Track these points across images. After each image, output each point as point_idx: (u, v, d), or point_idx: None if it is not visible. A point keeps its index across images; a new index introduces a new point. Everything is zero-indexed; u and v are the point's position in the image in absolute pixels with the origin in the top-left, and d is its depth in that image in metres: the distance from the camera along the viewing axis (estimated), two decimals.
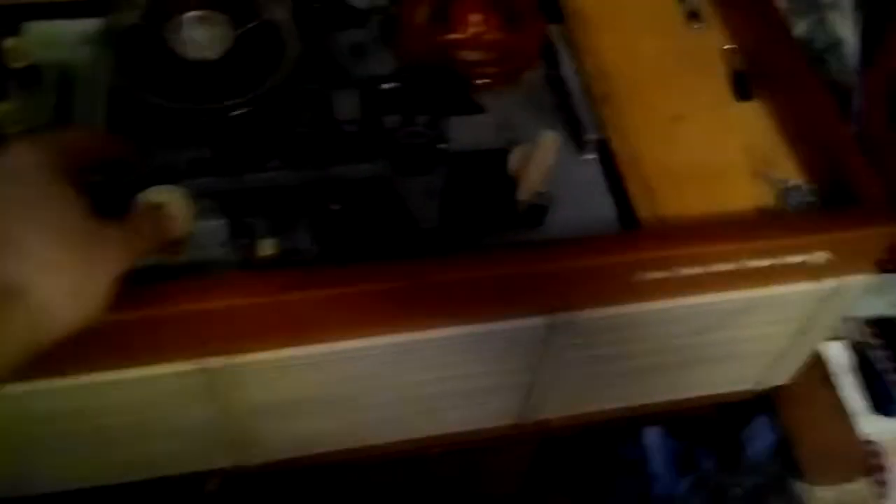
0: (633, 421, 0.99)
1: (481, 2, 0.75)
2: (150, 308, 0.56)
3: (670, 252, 0.61)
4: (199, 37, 0.71)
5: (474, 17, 0.74)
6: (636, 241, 0.63)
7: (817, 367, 0.91)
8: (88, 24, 0.74)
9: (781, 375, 0.82)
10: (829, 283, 0.68)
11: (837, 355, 0.97)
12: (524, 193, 0.65)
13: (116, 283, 0.47)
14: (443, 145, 0.69)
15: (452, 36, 0.74)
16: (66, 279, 0.44)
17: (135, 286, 0.52)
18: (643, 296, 0.65)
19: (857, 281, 0.69)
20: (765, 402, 0.89)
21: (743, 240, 0.62)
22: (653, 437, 1.15)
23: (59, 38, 0.74)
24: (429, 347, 0.65)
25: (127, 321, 0.55)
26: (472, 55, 0.74)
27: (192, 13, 0.71)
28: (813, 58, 1.01)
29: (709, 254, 0.62)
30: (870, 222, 0.64)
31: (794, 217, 0.67)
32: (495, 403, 0.76)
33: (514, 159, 0.66)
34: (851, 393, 0.94)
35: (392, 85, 0.73)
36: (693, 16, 0.81)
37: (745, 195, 0.70)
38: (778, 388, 0.86)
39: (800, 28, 1.00)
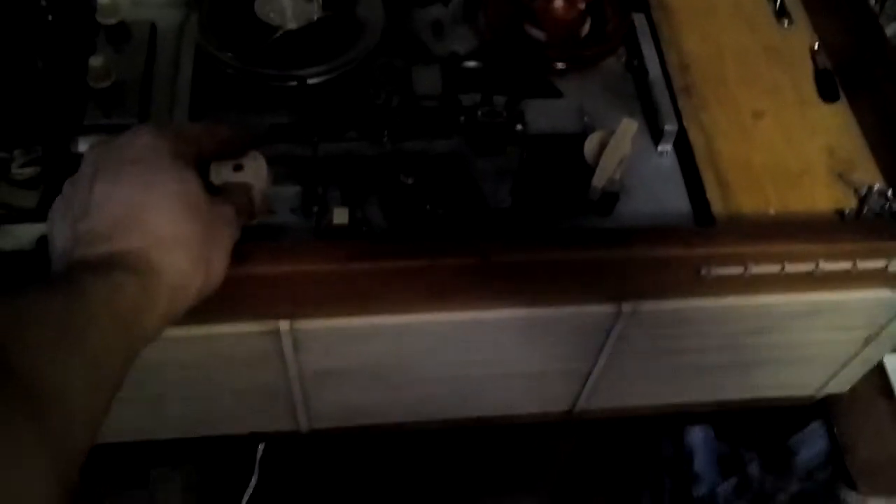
0: (678, 418, 0.98)
1: None
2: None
3: (744, 248, 0.60)
4: (286, 5, 0.71)
5: (557, 1, 0.74)
6: (710, 236, 0.62)
7: (876, 376, 0.89)
8: None
9: (843, 384, 0.81)
10: None
11: None
12: (598, 180, 0.64)
13: (230, 251, 0.51)
14: (519, 127, 0.68)
15: (534, 18, 0.74)
16: (193, 253, 0.47)
17: None
18: (713, 291, 0.64)
19: None
20: (818, 409, 0.87)
21: (820, 241, 0.61)
22: (697, 436, 1.14)
23: None
24: (493, 327, 0.65)
25: None
26: (553, 38, 0.74)
27: None
28: None
29: (784, 253, 0.61)
30: None
31: (874, 222, 0.66)
32: (551, 389, 0.76)
33: (589, 145, 0.66)
34: None
35: (473, 64, 0.74)
36: (782, 13, 0.80)
37: (824, 197, 0.69)
38: (834, 396, 0.85)
39: (891, 30, 0.97)
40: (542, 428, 0.84)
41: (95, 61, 0.66)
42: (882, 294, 0.66)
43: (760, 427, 0.98)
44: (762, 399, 0.83)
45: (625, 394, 0.78)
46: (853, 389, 0.84)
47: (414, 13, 0.77)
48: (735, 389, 0.80)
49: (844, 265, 0.62)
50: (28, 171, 0.64)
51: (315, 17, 0.71)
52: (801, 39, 0.79)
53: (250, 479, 0.83)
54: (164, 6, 0.75)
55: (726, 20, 0.79)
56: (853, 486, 0.83)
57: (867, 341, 0.73)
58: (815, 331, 0.70)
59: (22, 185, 0.64)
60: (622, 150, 0.65)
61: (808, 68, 0.77)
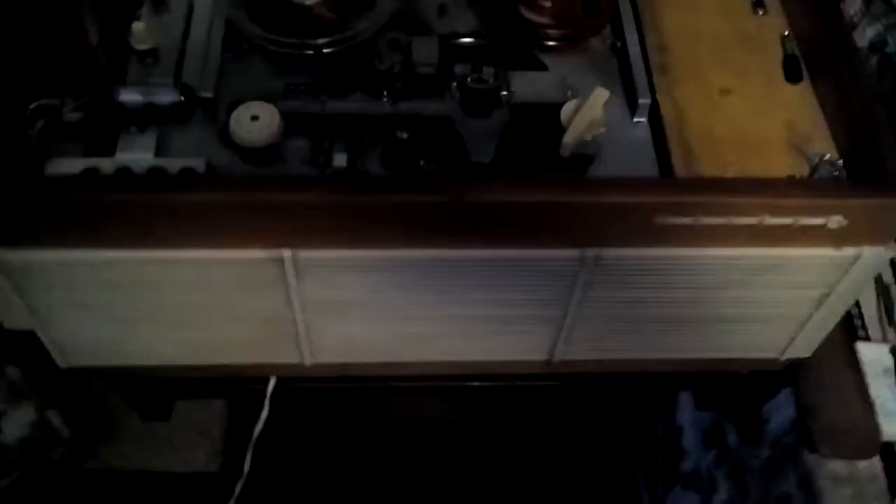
0: (659, 382, 1.04)
1: None
2: (232, 193, 0.67)
3: (693, 198, 0.67)
4: None
5: None
6: (661, 186, 0.69)
7: (846, 353, 0.92)
8: None
9: (805, 348, 0.86)
10: (848, 252, 0.73)
11: (875, 356, 0.97)
12: (569, 137, 0.72)
13: None
14: (505, 93, 0.77)
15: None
16: None
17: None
18: (668, 241, 0.71)
19: (877, 252, 0.73)
20: (789, 377, 0.93)
21: (762, 196, 0.68)
22: (685, 416, 1.20)
23: None
24: (468, 266, 0.73)
25: (212, 203, 0.67)
26: (542, 18, 0.82)
27: None
28: (885, 60, 1.04)
29: (729, 205, 0.68)
30: (888, 193, 0.68)
31: (814, 181, 0.72)
32: (529, 335, 0.83)
33: (566, 110, 0.74)
34: (884, 392, 0.95)
35: (469, 41, 0.82)
36: (758, 2, 0.87)
37: (781, 165, 0.75)
38: (803, 367, 0.90)
39: (872, 31, 1.03)
40: (529, 378, 0.91)
41: (138, 26, 0.77)
42: (826, 252, 0.73)
43: (737, 397, 1.04)
44: (731, 360, 0.89)
45: (598, 346, 0.85)
46: (821, 361, 0.89)
47: None
48: (703, 348, 0.86)
49: (786, 220, 0.68)
50: (76, 116, 0.75)
51: None
52: (773, 27, 0.86)
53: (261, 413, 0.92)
54: None
55: (705, 7, 0.87)
56: (815, 450, 0.88)
57: (820, 302, 0.79)
58: (769, 287, 0.77)
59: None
60: (593, 114, 0.73)
61: (777, 53, 0.84)
